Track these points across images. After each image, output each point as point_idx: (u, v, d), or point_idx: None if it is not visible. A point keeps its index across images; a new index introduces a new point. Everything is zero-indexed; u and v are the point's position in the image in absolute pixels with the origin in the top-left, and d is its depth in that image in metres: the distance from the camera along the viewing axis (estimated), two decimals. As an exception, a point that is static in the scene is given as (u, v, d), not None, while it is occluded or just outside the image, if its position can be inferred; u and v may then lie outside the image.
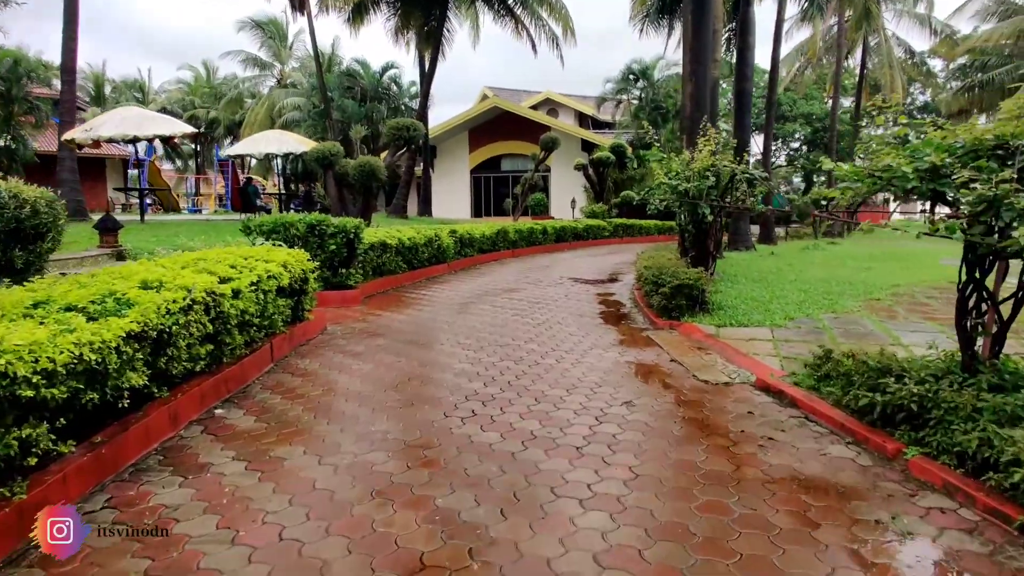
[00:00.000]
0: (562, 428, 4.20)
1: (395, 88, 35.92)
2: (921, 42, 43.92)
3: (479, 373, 5.59)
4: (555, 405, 4.69)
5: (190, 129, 17.05)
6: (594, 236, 22.77)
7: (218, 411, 4.55)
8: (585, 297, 10.35)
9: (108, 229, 10.46)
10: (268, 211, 19.51)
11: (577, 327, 7.74)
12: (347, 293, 9.41)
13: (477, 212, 35.25)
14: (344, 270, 9.37)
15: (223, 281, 4.81)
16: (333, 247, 8.65)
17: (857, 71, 35.61)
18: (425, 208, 28.23)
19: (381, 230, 11.70)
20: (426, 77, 23.82)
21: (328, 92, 29.35)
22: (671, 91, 30.54)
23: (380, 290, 10.72)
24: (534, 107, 36.67)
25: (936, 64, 39.46)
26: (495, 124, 33.67)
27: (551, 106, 39.65)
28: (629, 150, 27.45)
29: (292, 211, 21.55)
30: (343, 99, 32.71)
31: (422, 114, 24.40)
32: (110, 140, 16.28)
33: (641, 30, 26.14)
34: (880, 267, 13.68)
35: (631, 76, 31.36)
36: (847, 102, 46.82)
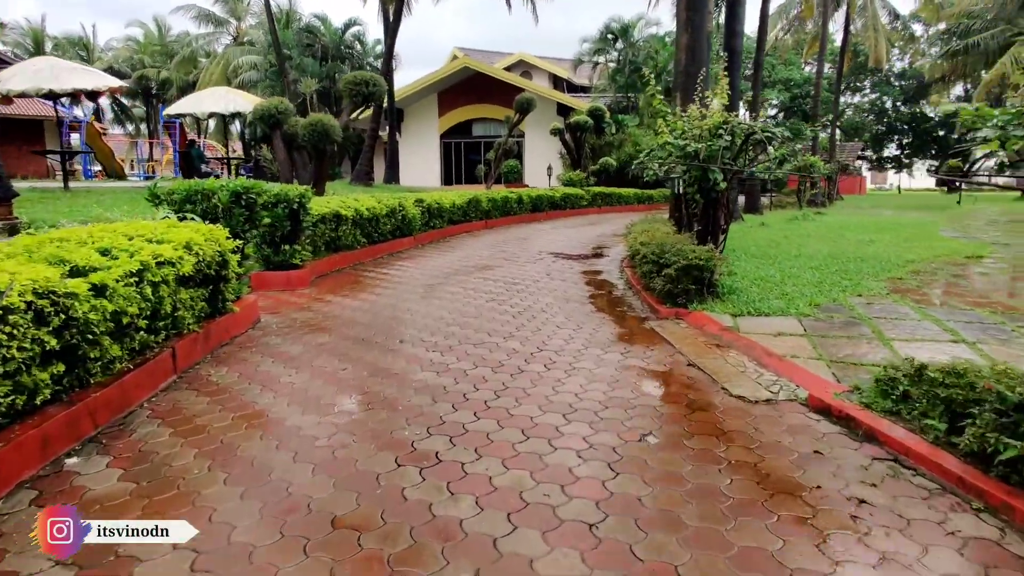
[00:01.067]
0: (564, 487, 2.94)
1: (359, 47, 33.73)
2: (904, 4, 42.76)
3: (446, 388, 4.28)
4: (549, 442, 3.42)
5: (116, 82, 15.05)
6: (572, 205, 21.47)
7: (71, 461, 3.18)
8: (570, 276, 9.07)
9: None
10: (215, 177, 17.71)
11: (565, 316, 6.46)
12: (293, 274, 7.98)
13: (448, 180, 33.57)
14: (288, 247, 7.92)
15: (77, 274, 3.39)
16: (268, 220, 7.19)
17: (837, 36, 34.49)
18: (391, 175, 26.49)
19: (335, 199, 10.21)
20: (390, 30, 21.88)
21: (286, 50, 27.18)
22: (652, 52, 29.02)
23: (334, 269, 9.30)
24: (507, 70, 34.81)
25: (917, 29, 38.56)
26: (466, 86, 31.82)
27: (524, 68, 37.81)
28: (607, 114, 25.98)
29: (241, 177, 19.81)
30: (302, 57, 30.52)
31: (386, 71, 22.54)
32: (22, 95, 14.30)
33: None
34: (882, 239, 12.66)
35: (609, 36, 29.69)
36: (827, 69, 45.82)
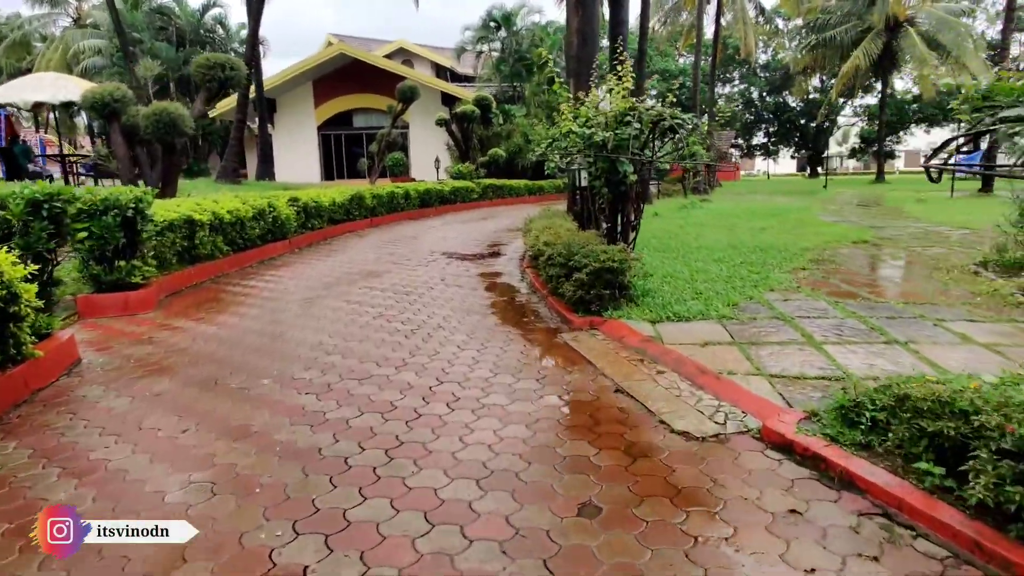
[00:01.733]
0: (489, 614, 2.10)
1: (221, 31, 30.85)
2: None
3: (322, 452, 3.31)
4: (463, 532, 2.56)
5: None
6: (462, 199, 20.59)
7: None
8: (467, 281, 8.22)
9: None
10: (47, 178, 15.17)
11: (467, 333, 5.61)
12: (132, 295, 6.57)
13: (329, 174, 31.59)
14: (124, 262, 6.49)
15: None
16: (85, 234, 5.78)
17: (709, 29, 35.83)
18: (265, 171, 24.36)
19: (189, 201, 8.73)
20: (253, 11, 19.87)
21: (136, 33, 24.21)
22: (536, 40, 28.61)
23: (190, 284, 7.91)
24: (387, 58, 33.20)
25: (780, 23, 40.90)
26: (344, 75, 29.97)
27: (405, 57, 36.33)
28: (494, 104, 25.30)
29: (84, 178, 17.18)
30: (154, 42, 27.39)
31: (251, 57, 20.45)
32: None
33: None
34: (771, 227, 12.83)
35: (492, 23, 28.97)
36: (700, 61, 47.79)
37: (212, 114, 28.49)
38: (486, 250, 11.14)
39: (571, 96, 9.33)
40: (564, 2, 13.90)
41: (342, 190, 14.66)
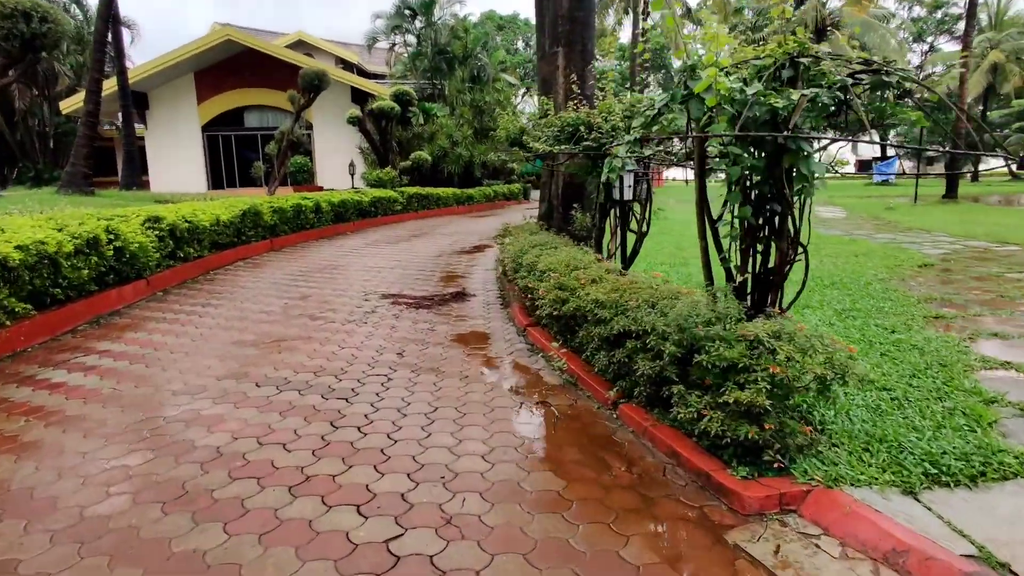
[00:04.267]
0: None
1: (78, 11, 25.60)
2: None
3: None
4: None
5: None
6: (384, 211, 17.15)
7: None
8: (444, 360, 4.96)
9: None
10: None
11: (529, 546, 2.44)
12: None
13: (217, 182, 26.96)
14: None
15: None
16: None
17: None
18: (131, 178, 19.75)
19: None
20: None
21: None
22: (459, 32, 25.49)
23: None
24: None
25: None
26: (233, 66, 25.57)
27: (306, 50, 32.10)
28: (416, 99, 21.97)
29: None
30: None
31: (104, 32, 15.89)
32: None
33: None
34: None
35: (407, 11, 25.54)
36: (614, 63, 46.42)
37: (66, 110, 23.34)
38: (442, 286, 7.90)
39: (561, 68, 6.37)
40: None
41: (231, 203, 10.93)
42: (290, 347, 5.19)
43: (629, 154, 4.17)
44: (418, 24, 26.34)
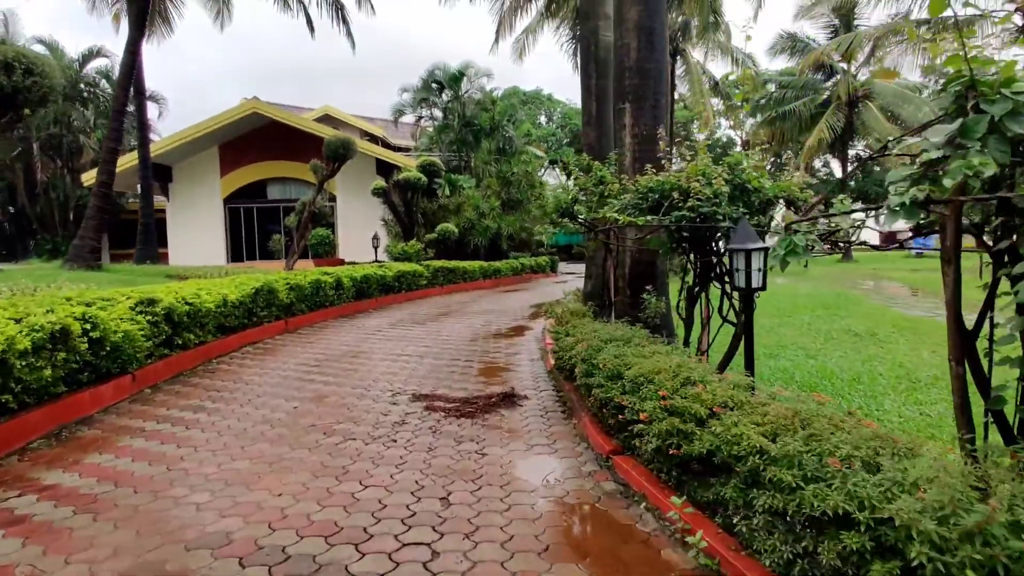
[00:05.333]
0: None
1: (107, 85, 25.78)
2: (723, 70, 44.23)
3: None
4: None
5: None
6: (408, 286, 16.01)
7: None
8: (516, 509, 3.55)
9: None
10: None
11: None
12: None
13: (237, 255, 26.29)
14: None
15: None
16: None
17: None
18: (146, 252, 19.00)
19: None
20: (130, 42, 14.97)
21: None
22: (486, 104, 25.14)
23: None
24: (310, 122, 28.91)
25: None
26: (258, 139, 25.37)
27: (332, 124, 32.09)
28: (444, 170, 21.29)
29: None
30: (14, 93, 21.90)
31: (123, 100, 15.41)
32: None
33: None
34: (885, 332, 8.98)
35: (434, 84, 25.37)
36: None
37: (87, 182, 23.02)
38: (483, 383, 6.54)
39: (628, 127, 5.25)
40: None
41: (242, 280, 9.82)
42: (294, 487, 3.82)
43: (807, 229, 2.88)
44: (445, 97, 26.12)
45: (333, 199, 25.21)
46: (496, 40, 21.61)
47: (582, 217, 7.55)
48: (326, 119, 32.82)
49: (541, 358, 7.88)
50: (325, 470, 4.09)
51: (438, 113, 27.42)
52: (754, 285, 3.65)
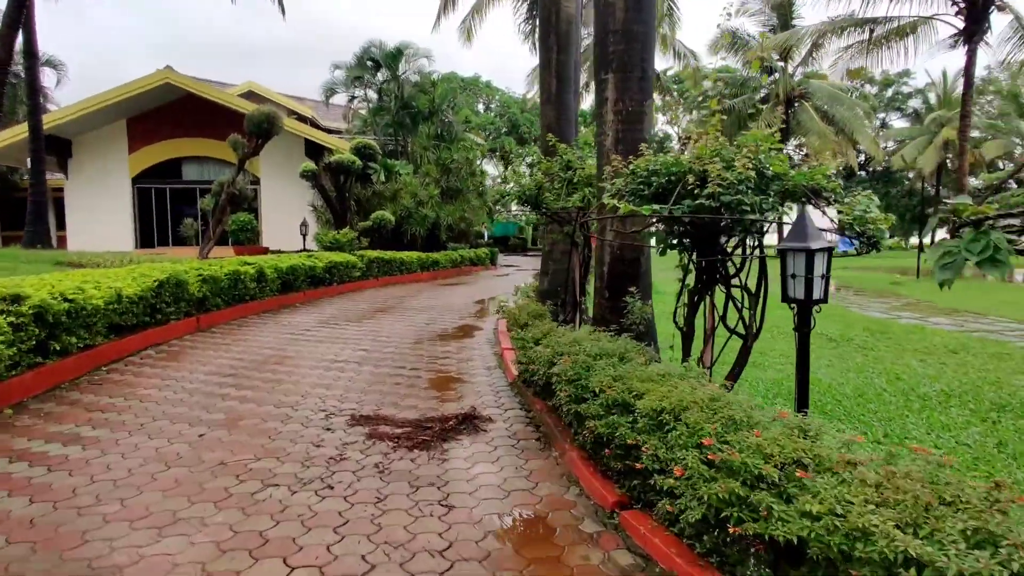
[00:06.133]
0: None
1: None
2: (664, 64, 43.96)
3: None
4: None
5: None
6: (340, 279, 14.69)
7: None
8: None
9: None
10: None
11: None
12: None
13: (147, 240, 23.98)
14: None
15: None
16: None
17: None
18: (38, 233, 16.72)
19: None
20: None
21: None
22: (426, 87, 23.79)
23: None
24: (232, 98, 26.67)
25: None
26: (173, 113, 23.13)
27: (256, 101, 29.87)
28: (380, 154, 19.91)
29: None
30: None
31: (6, 57, 13.16)
32: None
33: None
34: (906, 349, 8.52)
35: (369, 62, 23.75)
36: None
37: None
38: (436, 399, 5.53)
39: (611, 101, 4.41)
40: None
41: (143, 271, 8.37)
42: None
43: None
44: (380, 77, 24.60)
45: (257, 182, 23.30)
46: (438, 18, 20.38)
47: (550, 206, 6.63)
48: (250, 96, 30.50)
49: (499, 366, 6.92)
50: (234, 541, 3.00)
51: (373, 94, 25.85)
52: (815, 296, 2.81)
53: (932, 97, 43.15)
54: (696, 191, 3.68)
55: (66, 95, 43.28)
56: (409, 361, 7.18)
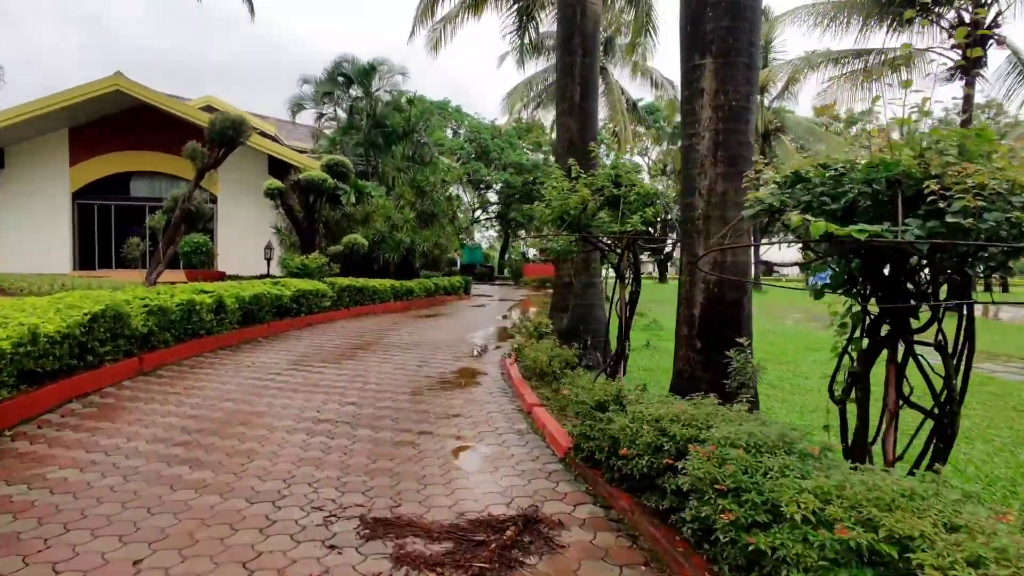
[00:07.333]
0: None
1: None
2: (642, 92, 43.48)
3: None
4: None
5: None
6: (308, 309, 13.05)
7: None
8: None
9: None
10: None
11: None
12: None
13: (87, 262, 21.76)
14: None
15: None
16: None
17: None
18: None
19: None
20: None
21: None
22: (401, 104, 22.46)
23: None
24: (189, 111, 24.81)
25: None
26: (122, 124, 21.20)
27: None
28: (353, 173, 18.40)
29: None
30: None
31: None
32: None
33: None
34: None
35: (340, 77, 22.30)
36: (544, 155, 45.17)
37: None
38: (473, 491, 4.06)
39: (710, 93, 3.03)
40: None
41: (72, 301, 6.71)
42: None
43: None
44: (353, 93, 23.18)
45: (214, 200, 21.43)
46: (413, 31, 19.14)
47: (603, 229, 5.31)
48: (209, 110, 28.59)
49: (531, 429, 5.48)
50: None
51: (342, 113, 24.35)
52: None
53: (895, 135, 43.99)
54: (936, 205, 2.40)
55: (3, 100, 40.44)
56: (413, 421, 5.68)
